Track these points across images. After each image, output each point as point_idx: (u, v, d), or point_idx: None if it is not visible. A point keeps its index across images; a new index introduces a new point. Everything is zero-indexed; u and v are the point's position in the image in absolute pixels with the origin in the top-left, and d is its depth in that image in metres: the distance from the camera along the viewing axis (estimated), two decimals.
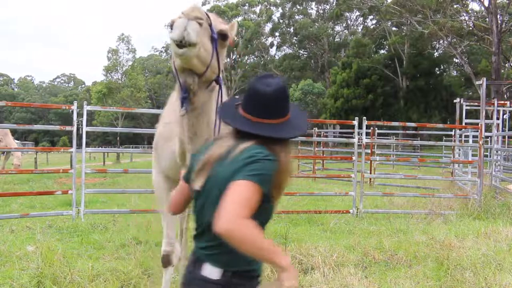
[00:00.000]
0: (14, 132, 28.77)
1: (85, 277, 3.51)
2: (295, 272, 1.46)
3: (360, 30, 50.95)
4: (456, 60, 40.95)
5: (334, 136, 25.82)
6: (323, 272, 3.89)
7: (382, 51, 48.04)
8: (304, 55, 53.17)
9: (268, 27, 53.32)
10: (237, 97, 1.86)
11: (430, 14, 31.75)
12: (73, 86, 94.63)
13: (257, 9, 55.47)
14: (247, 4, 54.87)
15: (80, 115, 6.48)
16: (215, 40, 2.15)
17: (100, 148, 30.53)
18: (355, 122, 7.42)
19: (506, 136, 12.57)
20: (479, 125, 7.84)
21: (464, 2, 32.64)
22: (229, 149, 1.54)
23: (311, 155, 14.56)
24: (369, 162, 11.45)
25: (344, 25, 52.32)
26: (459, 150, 11.88)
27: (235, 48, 51.67)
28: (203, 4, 52.10)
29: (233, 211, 1.32)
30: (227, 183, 1.42)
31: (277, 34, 53.31)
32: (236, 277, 1.52)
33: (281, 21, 52.64)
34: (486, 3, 29.06)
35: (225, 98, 2.72)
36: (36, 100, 76.65)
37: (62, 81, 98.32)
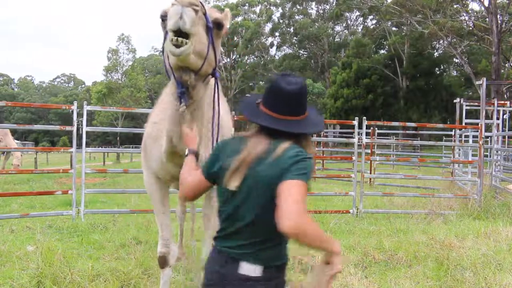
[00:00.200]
0: (14, 132, 28.77)
1: (85, 277, 3.51)
2: (342, 257, 1.55)
3: (360, 30, 50.92)
4: (456, 60, 40.94)
5: (334, 136, 25.82)
6: None
7: (382, 51, 48.01)
8: (304, 55, 53.15)
9: (268, 27, 53.30)
10: (249, 95, 1.92)
11: (430, 14, 31.74)
12: (73, 86, 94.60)
13: (257, 9, 55.43)
14: (247, 4, 54.81)
15: (80, 115, 6.48)
16: (210, 29, 2.06)
17: (100, 148, 30.52)
18: (355, 122, 7.42)
19: (506, 136, 12.57)
20: (479, 125, 7.84)
21: (464, 2, 32.63)
22: (267, 149, 1.56)
23: None
24: (369, 162, 11.45)
25: (344, 25, 52.28)
26: (459, 150, 11.88)
27: (235, 48, 51.68)
28: None
29: (298, 210, 1.38)
30: (272, 183, 1.48)
31: (277, 34, 53.27)
32: (275, 271, 1.60)
33: (281, 21, 52.61)
34: (486, 3, 29.07)
35: (220, 93, 2.65)
36: (36, 100, 76.63)
37: (62, 81, 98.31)
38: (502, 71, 31.04)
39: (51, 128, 8.71)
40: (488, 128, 11.94)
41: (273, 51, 56.25)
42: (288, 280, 1.63)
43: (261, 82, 57.30)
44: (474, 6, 36.05)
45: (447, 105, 37.26)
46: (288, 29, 52.03)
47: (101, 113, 49.47)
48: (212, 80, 2.37)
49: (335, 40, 51.63)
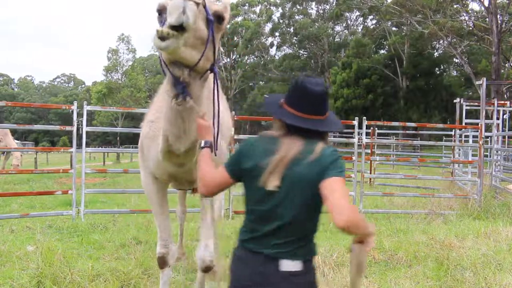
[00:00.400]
0: (14, 132, 28.76)
1: (85, 277, 3.51)
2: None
3: (360, 30, 50.91)
4: (456, 60, 40.92)
5: (334, 136, 25.79)
6: (323, 272, 3.90)
7: (382, 51, 48.00)
8: (304, 55, 53.14)
9: (268, 27, 53.29)
10: (267, 95, 1.92)
11: (430, 14, 31.74)
12: (73, 86, 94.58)
13: (257, 9, 55.44)
14: (247, 4, 54.82)
15: (80, 115, 6.48)
16: (211, 22, 1.93)
17: (100, 148, 30.53)
18: (355, 122, 7.42)
19: (506, 136, 12.56)
20: (479, 125, 7.84)
21: (464, 2, 32.63)
22: (303, 150, 1.62)
23: None
24: (369, 162, 11.45)
25: (344, 25, 52.28)
26: (459, 150, 11.88)
27: (235, 48, 51.67)
28: None
29: (347, 205, 1.49)
30: (312, 182, 1.57)
31: (277, 34, 53.26)
32: (311, 263, 1.70)
33: (281, 21, 52.60)
34: (486, 3, 29.07)
35: (220, 89, 2.53)
36: (36, 100, 76.61)
37: (62, 81, 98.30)
38: (502, 71, 31.03)
39: (51, 128, 8.72)
40: (488, 128, 11.94)
41: (273, 51, 56.29)
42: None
43: (261, 82, 57.30)
44: (474, 6, 36.08)
45: (447, 105, 37.26)
46: (288, 29, 52.04)
47: (101, 113, 49.44)
48: (211, 76, 2.27)
49: (335, 40, 51.62)
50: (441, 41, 38.78)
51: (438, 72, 43.63)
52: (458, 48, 32.14)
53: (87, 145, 7.30)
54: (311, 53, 51.65)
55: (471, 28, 32.43)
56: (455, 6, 32.50)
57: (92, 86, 65.05)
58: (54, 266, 3.52)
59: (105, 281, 3.52)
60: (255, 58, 56.45)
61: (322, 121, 1.70)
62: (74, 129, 6.33)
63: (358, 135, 7.50)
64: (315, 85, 1.68)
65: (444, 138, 16.61)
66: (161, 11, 2.03)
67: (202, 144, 1.94)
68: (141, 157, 3.00)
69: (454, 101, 11.82)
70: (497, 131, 10.36)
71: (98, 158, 26.29)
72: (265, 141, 1.71)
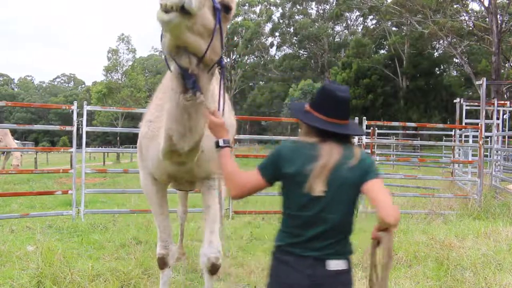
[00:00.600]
0: (14, 132, 28.76)
1: (85, 277, 3.51)
2: None
3: (360, 30, 50.95)
4: (456, 60, 40.94)
5: None
6: None
7: (382, 51, 48.03)
8: (304, 55, 53.17)
9: (268, 27, 53.35)
10: (290, 102, 1.91)
11: (430, 14, 31.75)
12: (73, 86, 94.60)
13: (257, 9, 55.51)
14: (247, 4, 54.86)
15: (80, 115, 6.48)
16: (218, 11, 1.83)
17: (100, 148, 30.52)
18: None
19: (506, 136, 12.56)
20: (479, 125, 7.84)
21: (464, 2, 32.64)
22: (343, 154, 1.70)
23: None
24: None
25: (344, 25, 52.32)
26: (459, 150, 11.88)
27: (235, 48, 51.67)
28: None
29: (392, 203, 1.65)
30: (356, 184, 1.69)
31: (277, 34, 53.31)
32: (351, 261, 1.79)
33: (281, 21, 52.64)
34: (486, 3, 29.08)
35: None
36: (36, 100, 76.61)
37: (62, 81, 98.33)
38: (502, 71, 31.04)
39: (51, 128, 8.72)
40: (488, 128, 11.94)
41: (273, 51, 56.35)
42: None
43: (261, 82, 57.32)
44: (474, 6, 36.09)
45: (447, 105, 37.26)
46: (288, 29, 52.09)
47: (101, 113, 49.46)
48: (216, 72, 2.18)
49: (335, 40, 51.66)
50: (441, 41, 38.79)
51: (438, 72, 43.64)
52: (458, 48, 32.15)
53: (87, 145, 7.30)
54: (311, 53, 51.67)
55: (471, 28, 32.44)
56: (455, 6, 32.51)
57: (92, 86, 65.09)
58: (54, 266, 3.52)
59: (105, 281, 3.52)
60: (255, 58, 56.49)
61: (348, 125, 1.78)
62: (74, 129, 6.33)
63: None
64: (342, 91, 1.75)
65: (444, 138, 16.61)
66: None
67: (222, 144, 1.86)
68: (140, 158, 2.96)
69: (454, 101, 11.82)
70: (497, 131, 10.36)
71: (98, 158, 26.28)
72: (303, 147, 1.74)
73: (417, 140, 17.43)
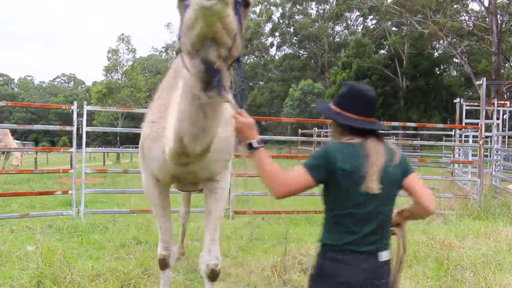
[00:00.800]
0: (14, 132, 28.76)
1: (85, 277, 3.51)
2: None
3: (360, 30, 50.96)
4: (456, 60, 40.94)
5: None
6: None
7: (382, 51, 48.04)
8: (304, 55, 53.18)
9: (268, 27, 53.33)
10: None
11: (430, 14, 31.74)
12: (73, 86, 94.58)
13: (257, 9, 55.44)
14: None
15: (80, 115, 6.48)
16: (238, 4, 1.77)
17: (100, 148, 30.53)
18: None
19: (506, 136, 12.56)
20: (479, 125, 7.84)
21: (464, 2, 32.64)
22: (387, 152, 1.81)
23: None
24: None
25: (344, 25, 52.33)
26: (459, 150, 11.87)
27: None
28: None
29: (431, 194, 1.86)
30: (399, 180, 1.83)
31: (277, 34, 53.31)
32: None
33: (281, 21, 52.65)
34: (486, 3, 29.08)
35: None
36: (36, 100, 76.60)
37: (62, 81, 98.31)
38: (502, 71, 31.04)
39: (51, 128, 8.71)
40: (488, 128, 11.93)
41: (273, 51, 56.35)
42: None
43: (261, 82, 57.32)
44: (474, 6, 36.09)
45: (447, 105, 37.27)
46: (288, 29, 52.10)
47: (101, 113, 49.45)
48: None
49: (335, 40, 51.67)
50: (441, 41, 38.80)
51: (438, 72, 43.64)
52: (458, 48, 32.15)
53: (87, 145, 7.30)
54: (311, 53, 51.68)
55: (471, 28, 32.44)
56: (455, 6, 32.51)
57: (92, 86, 65.08)
58: (54, 266, 3.52)
59: (105, 281, 3.52)
60: (255, 58, 56.49)
61: (375, 122, 1.88)
62: (74, 129, 6.33)
63: None
64: (370, 91, 1.87)
65: (444, 138, 16.60)
66: None
67: (256, 145, 1.79)
68: (142, 159, 2.91)
69: (454, 101, 11.80)
70: (497, 131, 10.35)
71: (98, 158, 26.28)
72: (350, 147, 1.79)
73: (417, 140, 17.42)
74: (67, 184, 10.20)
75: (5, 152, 15.14)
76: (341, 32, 53.14)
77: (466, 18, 33.54)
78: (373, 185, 1.73)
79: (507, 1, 29.72)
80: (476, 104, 11.36)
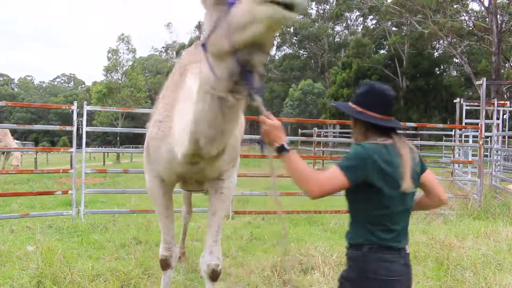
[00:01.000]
0: (14, 132, 28.77)
1: (85, 277, 3.51)
2: None
3: (360, 30, 50.96)
4: (456, 60, 40.94)
5: (334, 136, 25.84)
6: (323, 272, 3.89)
7: (382, 51, 48.03)
8: (304, 55, 53.17)
9: None
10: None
11: (430, 14, 31.75)
12: (73, 86, 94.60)
13: None
14: None
15: (80, 115, 6.48)
16: None
17: (100, 148, 30.54)
18: None
19: (506, 136, 12.56)
20: (479, 125, 7.84)
21: (464, 2, 32.64)
22: (411, 152, 1.87)
23: (311, 155, 14.56)
24: None
25: (344, 25, 52.33)
26: (459, 150, 11.87)
27: None
28: None
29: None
30: (419, 177, 1.91)
31: (277, 34, 53.24)
32: None
33: None
34: (486, 3, 29.08)
35: None
36: (36, 100, 76.61)
37: (62, 81, 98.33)
38: (502, 71, 31.04)
39: (51, 128, 8.71)
40: (488, 128, 11.93)
41: (273, 51, 56.25)
42: None
43: None
44: (474, 6, 36.09)
45: (447, 105, 37.26)
46: (288, 29, 52.04)
47: (101, 113, 49.45)
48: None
49: (335, 40, 51.66)
50: (441, 41, 38.80)
51: (438, 72, 43.62)
52: (458, 48, 32.15)
53: (87, 145, 7.30)
54: (311, 53, 51.67)
55: (471, 28, 32.45)
56: (455, 6, 32.52)
57: (92, 86, 65.09)
58: (54, 266, 3.52)
59: (105, 281, 3.52)
60: None
61: (395, 121, 1.95)
62: (74, 129, 6.33)
63: None
64: (390, 90, 1.92)
65: (444, 138, 16.60)
66: None
67: (287, 147, 1.77)
68: (146, 159, 2.84)
69: (454, 101, 11.81)
70: (497, 131, 10.36)
71: (98, 158, 26.28)
72: (385, 148, 1.82)
73: (417, 140, 17.41)
74: (67, 184, 10.20)
75: (5, 152, 15.14)
76: (341, 32, 53.15)
77: (466, 18, 33.56)
78: (408, 183, 1.80)
79: (507, 1, 29.72)
80: (476, 104, 11.37)
